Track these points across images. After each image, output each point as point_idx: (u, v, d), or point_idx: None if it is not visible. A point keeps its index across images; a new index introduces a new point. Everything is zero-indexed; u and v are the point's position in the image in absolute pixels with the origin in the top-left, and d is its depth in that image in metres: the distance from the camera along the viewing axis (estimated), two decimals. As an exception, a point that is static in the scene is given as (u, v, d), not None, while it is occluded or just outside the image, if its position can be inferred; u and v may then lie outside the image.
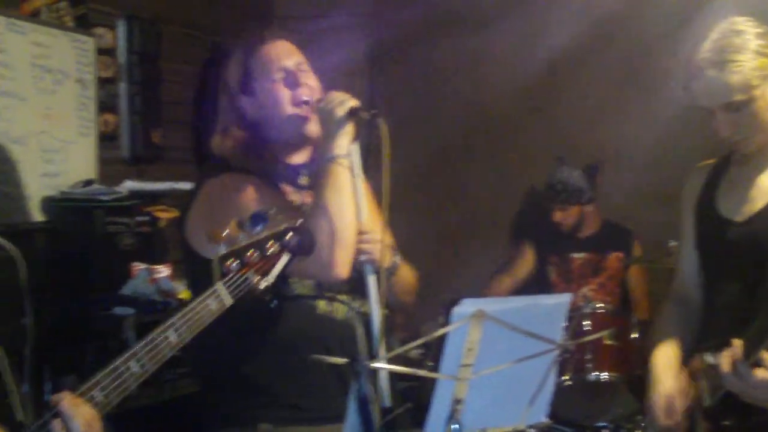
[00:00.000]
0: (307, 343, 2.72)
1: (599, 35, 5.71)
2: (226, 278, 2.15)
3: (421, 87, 6.21)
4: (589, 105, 5.84)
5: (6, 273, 3.65)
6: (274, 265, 2.25)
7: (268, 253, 2.22)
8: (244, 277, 2.18)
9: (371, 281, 2.70)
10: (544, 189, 5.40)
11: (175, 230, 4.49)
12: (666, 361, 2.95)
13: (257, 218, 2.23)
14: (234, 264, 2.16)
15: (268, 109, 2.82)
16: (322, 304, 2.80)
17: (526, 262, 5.53)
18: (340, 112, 2.66)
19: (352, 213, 2.67)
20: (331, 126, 2.69)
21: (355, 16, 6.38)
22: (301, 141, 2.85)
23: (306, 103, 2.79)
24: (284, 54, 2.85)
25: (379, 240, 2.69)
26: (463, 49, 6.14)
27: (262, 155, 2.83)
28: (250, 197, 2.65)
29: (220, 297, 2.14)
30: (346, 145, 2.68)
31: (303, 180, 2.86)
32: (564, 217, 5.32)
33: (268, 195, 2.72)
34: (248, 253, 2.18)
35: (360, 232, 2.68)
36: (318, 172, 2.73)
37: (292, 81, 2.81)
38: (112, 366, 1.96)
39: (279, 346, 2.76)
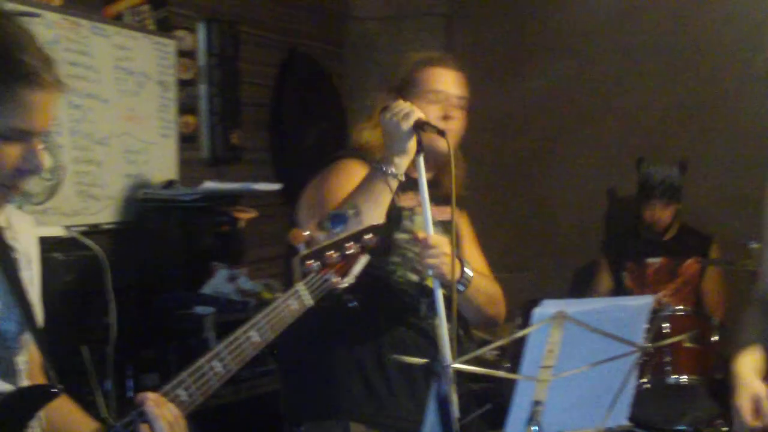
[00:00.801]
0: (402, 344, 2.76)
1: (681, 36, 5.65)
2: (307, 278, 2.17)
3: (497, 89, 6.18)
4: (669, 106, 5.78)
5: (90, 272, 3.74)
6: (353, 265, 2.27)
7: (348, 254, 2.24)
8: (324, 278, 2.20)
9: (439, 295, 2.67)
10: (639, 187, 5.30)
11: (253, 230, 4.58)
12: (750, 364, 2.90)
13: (337, 219, 2.25)
14: (314, 264, 2.18)
15: None
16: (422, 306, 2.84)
17: (605, 278, 5.48)
18: (405, 125, 2.64)
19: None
20: (394, 138, 2.65)
21: (431, 16, 6.38)
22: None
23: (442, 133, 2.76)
24: (453, 82, 2.92)
25: (447, 254, 2.67)
26: (540, 49, 6.12)
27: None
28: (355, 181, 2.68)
29: (300, 297, 2.15)
30: (402, 165, 2.66)
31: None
32: (658, 215, 5.23)
33: (356, 180, 2.75)
34: (328, 254, 2.20)
35: (428, 246, 2.67)
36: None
37: (445, 108, 2.87)
38: (195, 366, 1.98)
39: (375, 346, 2.80)
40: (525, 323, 2.47)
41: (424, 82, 2.91)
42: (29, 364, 1.97)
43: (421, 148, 2.65)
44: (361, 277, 2.29)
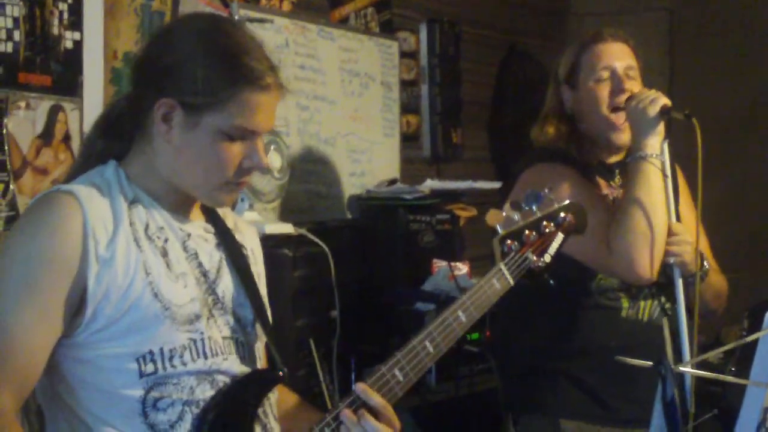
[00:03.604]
0: (610, 346, 2.72)
1: None
2: (507, 258, 2.23)
3: (721, 84, 5.98)
4: None
5: (317, 268, 3.86)
6: (550, 244, 2.31)
7: (545, 233, 2.29)
8: (523, 257, 2.25)
9: (679, 285, 2.64)
10: None
11: (472, 228, 4.60)
12: None
13: (532, 198, 2.29)
14: (513, 244, 2.23)
15: (586, 105, 2.86)
16: (626, 305, 2.79)
17: None
18: (652, 111, 2.64)
19: (662, 213, 2.64)
20: (642, 125, 2.67)
21: (654, 11, 6.25)
22: (609, 146, 2.85)
23: (621, 110, 2.77)
24: (616, 55, 2.86)
25: (690, 243, 2.63)
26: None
27: (580, 147, 2.87)
28: (565, 187, 2.68)
29: (504, 276, 2.21)
30: (657, 145, 2.66)
31: (616, 180, 2.86)
32: None
33: (583, 186, 2.75)
34: (526, 233, 2.25)
35: (670, 234, 2.64)
36: (628, 170, 2.72)
37: (615, 84, 2.82)
38: (409, 346, 2.06)
39: (582, 345, 2.78)
40: (753, 326, 2.40)
41: (586, 64, 2.87)
42: (263, 352, 2.09)
43: (668, 134, 2.67)
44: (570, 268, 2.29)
